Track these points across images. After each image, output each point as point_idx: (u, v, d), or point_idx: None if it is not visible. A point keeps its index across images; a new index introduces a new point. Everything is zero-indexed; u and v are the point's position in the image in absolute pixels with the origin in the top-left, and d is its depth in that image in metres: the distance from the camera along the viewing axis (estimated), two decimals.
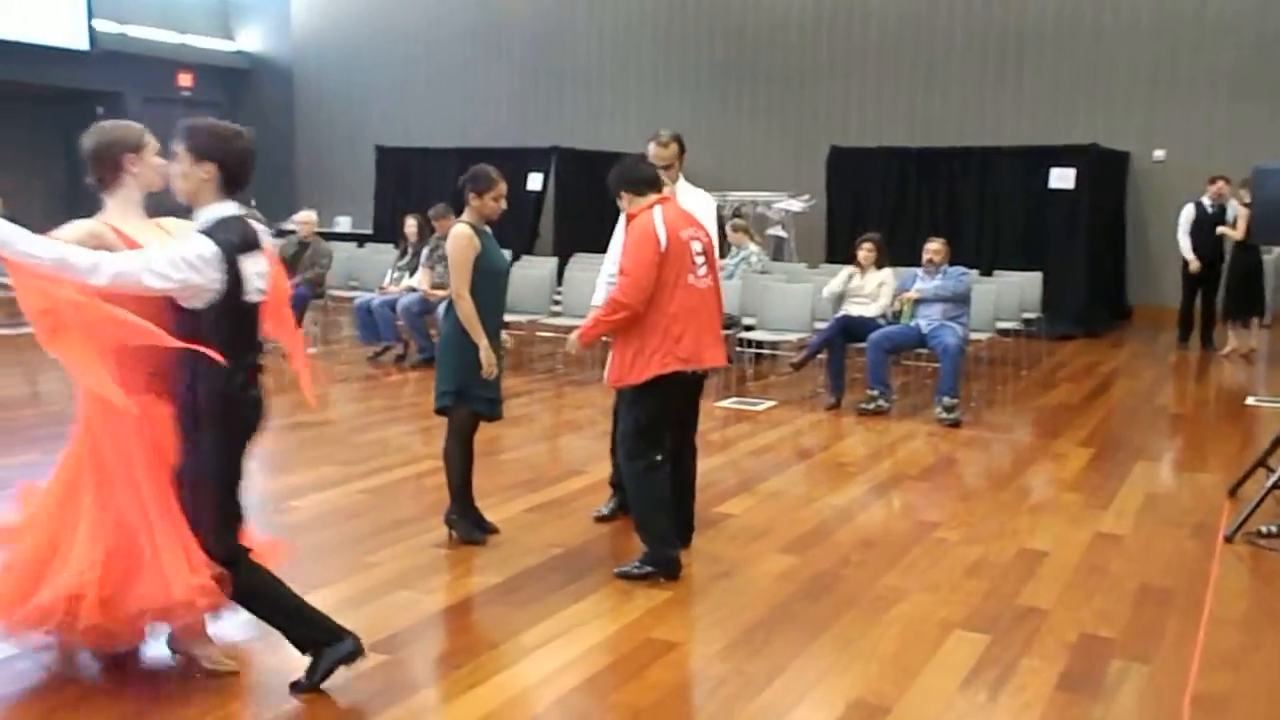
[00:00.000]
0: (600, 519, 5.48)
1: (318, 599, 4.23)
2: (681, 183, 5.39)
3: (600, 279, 5.67)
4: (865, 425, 7.84)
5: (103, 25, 18.59)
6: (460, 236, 4.74)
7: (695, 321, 4.53)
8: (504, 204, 4.84)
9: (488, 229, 4.91)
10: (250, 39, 20.93)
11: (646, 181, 4.69)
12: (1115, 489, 6.21)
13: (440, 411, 4.88)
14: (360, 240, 15.26)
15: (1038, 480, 6.46)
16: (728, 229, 11.11)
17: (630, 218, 4.66)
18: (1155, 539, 5.32)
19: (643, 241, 4.49)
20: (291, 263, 10.64)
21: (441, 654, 3.84)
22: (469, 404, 4.82)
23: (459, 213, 7.60)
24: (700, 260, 4.60)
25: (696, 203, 5.27)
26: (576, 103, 17.22)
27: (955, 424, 7.78)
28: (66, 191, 20.35)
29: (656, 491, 4.60)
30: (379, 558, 4.75)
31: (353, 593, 4.37)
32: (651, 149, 5.28)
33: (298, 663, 3.54)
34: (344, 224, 18.50)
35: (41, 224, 12.34)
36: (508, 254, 11.74)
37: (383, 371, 9.73)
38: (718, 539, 5.15)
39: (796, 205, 14.26)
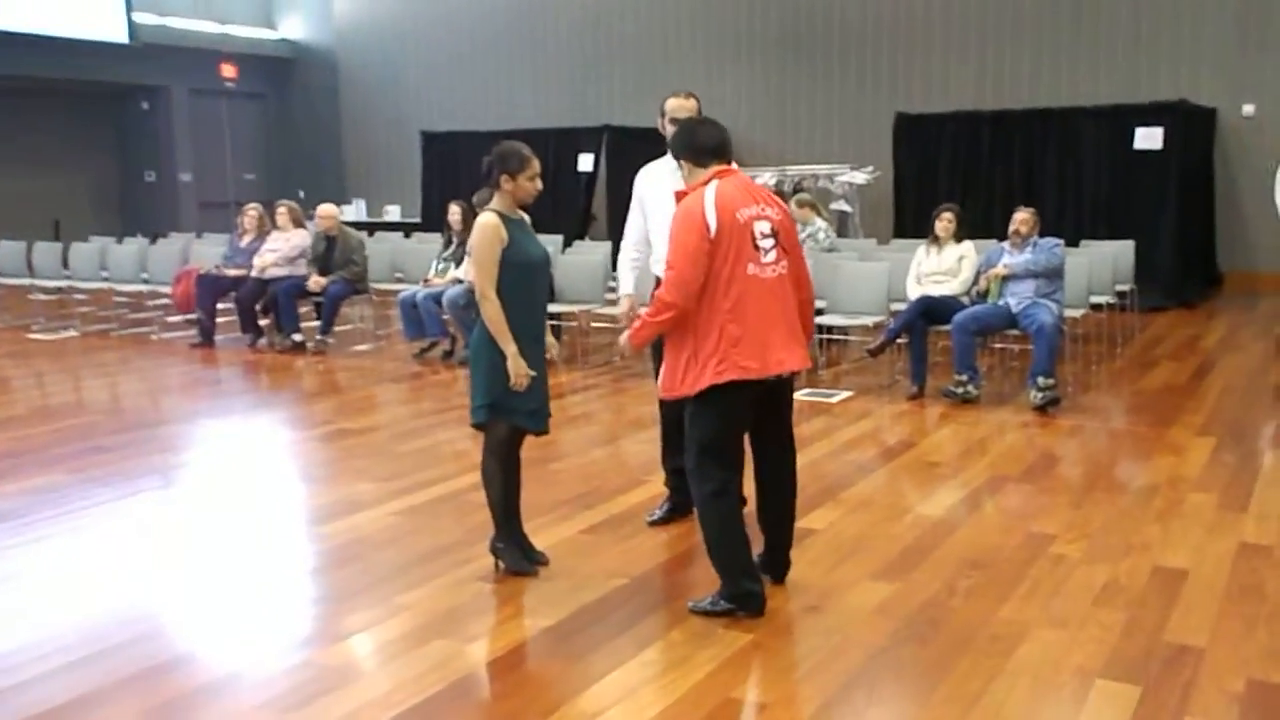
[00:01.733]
0: (654, 523, 4.95)
1: (335, 654, 3.68)
2: None
3: (623, 261, 5.04)
4: (953, 416, 7.12)
5: (142, 18, 18.27)
6: (485, 228, 4.10)
7: (760, 319, 3.80)
8: (539, 184, 4.19)
9: (521, 215, 4.27)
10: (292, 27, 20.52)
11: (710, 149, 3.97)
12: (1249, 486, 5.46)
13: (477, 427, 4.27)
14: (407, 230, 14.76)
15: (1158, 478, 5.70)
16: (792, 205, 10.39)
17: (679, 197, 3.97)
18: None
19: (687, 227, 3.80)
20: (323, 260, 10.11)
21: None
22: (507, 417, 4.21)
23: None
24: (768, 244, 3.86)
25: None
26: (626, 78, 16.53)
27: (1054, 402, 7.04)
28: (117, 186, 20.19)
29: (727, 519, 3.93)
30: (412, 597, 4.15)
31: (379, 644, 3.79)
32: (671, 104, 4.70)
33: None
34: (393, 213, 18.05)
35: (92, 220, 11.96)
36: (558, 240, 11.36)
37: (429, 369, 9.18)
38: (801, 561, 4.47)
39: (860, 177, 13.47)
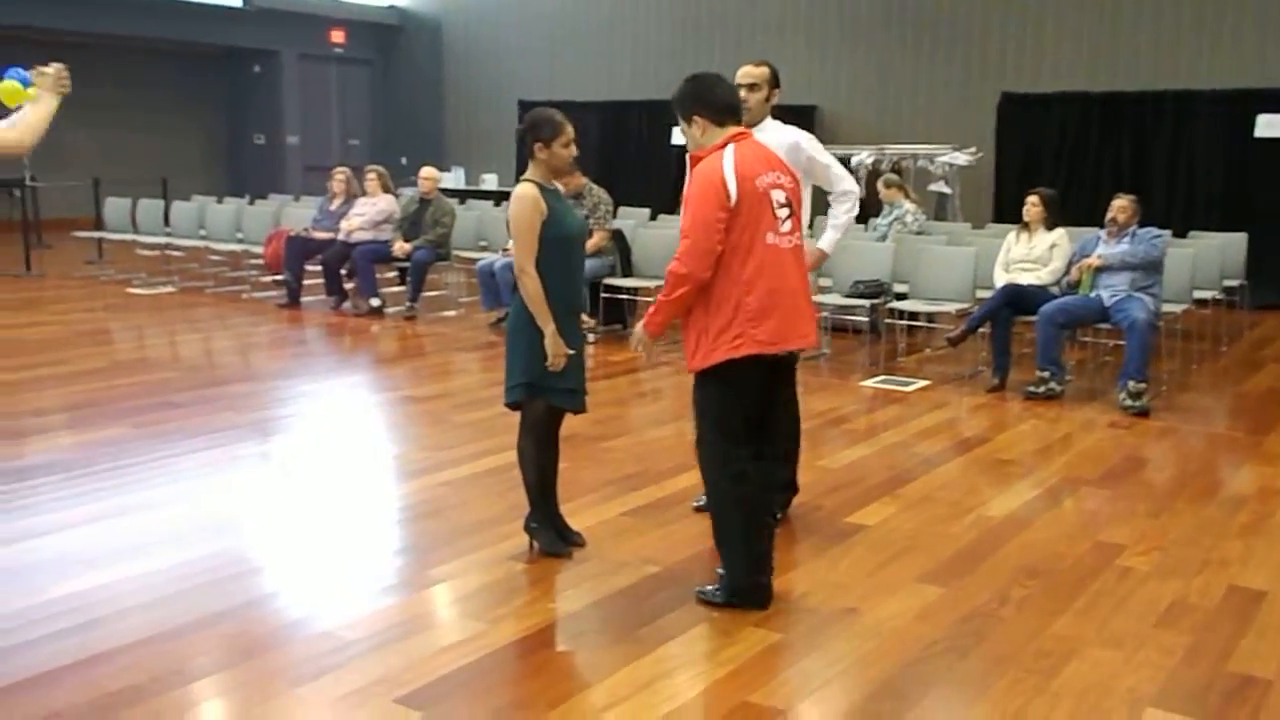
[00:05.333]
0: (699, 509, 4.77)
1: (358, 626, 3.63)
2: (770, 122, 4.62)
3: None
4: (1034, 412, 6.80)
5: None
6: (524, 199, 3.97)
7: (779, 291, 3.63)
8: (574, 150, 4.05)
9: (556, 186, 4.14)
10: None
11: (730, 108, 3.76)
12: None
13: (512, 406, 4.17)
14: (498, 199, 14.77)
15: (1247, 489, 5.34)
16: (879, 185, 10.10)
17: (694, 160, 3.76)
18: None
19: (706, 194, 3.59)
20: (413, 222, 10.19)
21: (491, 712, 3.14)
22: (546, 396, 4.09)
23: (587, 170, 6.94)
24: (785, 213, 3.70)
25: (789, 139, 4.56)
26: (725, 51, 16.22)
27: (1143, 413, 6.67)
28: (226, 148, 20.67)
29: (743, 508, 3.75)
30: (445, 571, 4.09)
31: (405, 617, 3.72)
32: (741, 70, 4.54)
33: None
34: (490, 181, 18.10)
35: (202, 180, 12.30)
36: (644, 213, 11.22)
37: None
38: (845, 559, 4.31)
39: (962, 159, 12.98)
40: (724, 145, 3.67)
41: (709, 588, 3.83)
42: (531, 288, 3.94)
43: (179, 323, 9.85)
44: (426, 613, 3.80)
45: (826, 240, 4.86)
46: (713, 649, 3.51)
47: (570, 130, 4.03)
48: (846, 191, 4.69)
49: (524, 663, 3.46)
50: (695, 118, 3.75)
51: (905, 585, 4.06)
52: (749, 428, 3.76)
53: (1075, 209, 10.86)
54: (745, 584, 3.75)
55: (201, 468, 5.47)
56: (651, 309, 3.82)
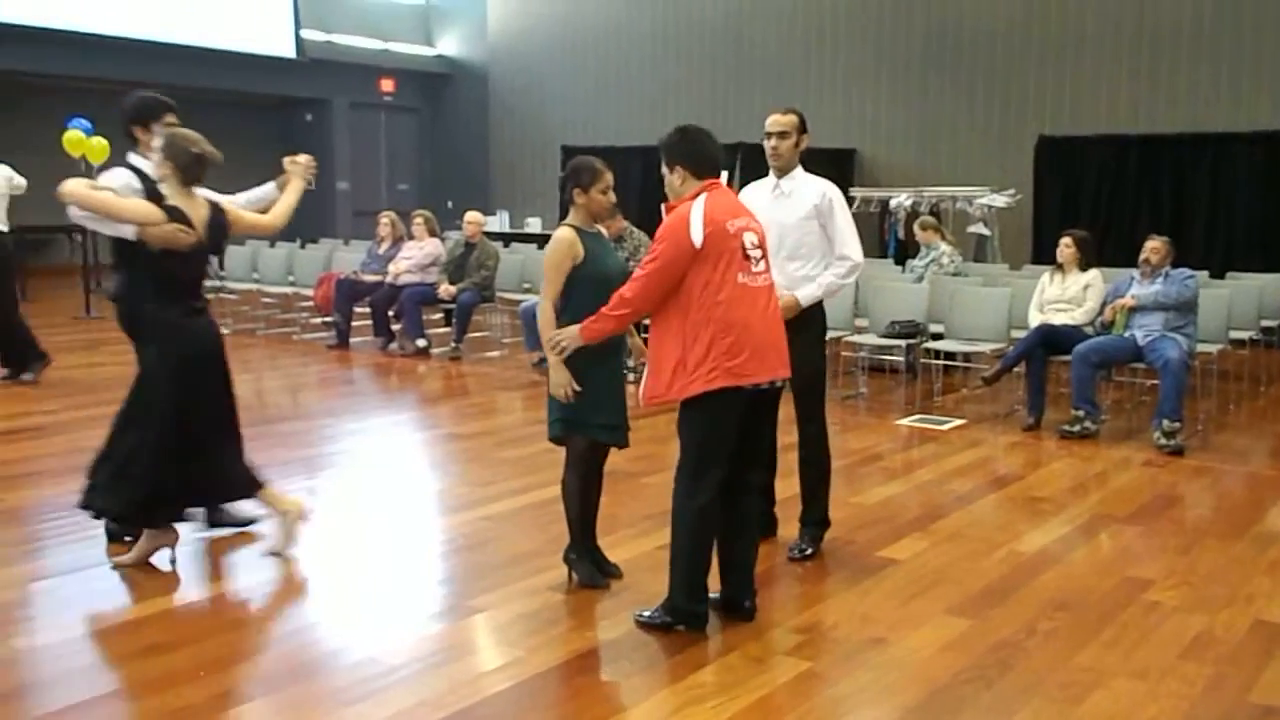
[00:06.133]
0: None
1: (401, 652, 3.79)
2: (800, 171, 4.77)
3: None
4: (1068, 450, 6.86)
5: (309, 35, 19.13)
6: (559, 241, 4.19)
7: (753, 328, 3.83)
8: (612, 196, 4.26)
9: (598, 229, 4.34)
10: (448, 44, 21.19)
11: (715, 163, 3.98)
12: None
13: (555, 441, 4.34)
14: (541, 242, 15.05)
15: (1279, 527, 5.39)
16: (915, 227, 10.23)
17: (669, 208, 3.95)
18: None
19: (670, 238, 3.82)
20: (458, 265, 10.46)
21: None
22: (586, 432, 4.26)
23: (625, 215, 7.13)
24: (757, 254, 3.91)
25: (819, 187, 4.71)
26: (765, 96, 16.46)
27: (1177, 451, 6.71)
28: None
29: (706, 536, 3.93)
30: (484, 601, 4.24)
31: (447, 644, 3.88)
32: (770, 119, 4.70)
33: None
34: (534, 225, 18.42)
35: None
36: None
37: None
38: (875, 592, 4.41)
39: (1000, 200, 13.07)
40: (696, 195, 3.89)
41: (648, 613, 3.99)
42: (544, 318, 4.17)
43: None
44: (467, 640, 3.95)
45: (804, 293, 4.67)
46: (744, 676, 3.63)
47: (609, 177, 4.24)
48: (847, 257, 4.72)
49: (561, 688, 3.60)
50: (678, 167, 3.97)
51: (934, 617, 4.16)
52: (725, 462, 3.89)
53: (1115, 250, 10.92)
54: (683, 607, 3.93)
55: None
56: (593, 318, 4.01)
